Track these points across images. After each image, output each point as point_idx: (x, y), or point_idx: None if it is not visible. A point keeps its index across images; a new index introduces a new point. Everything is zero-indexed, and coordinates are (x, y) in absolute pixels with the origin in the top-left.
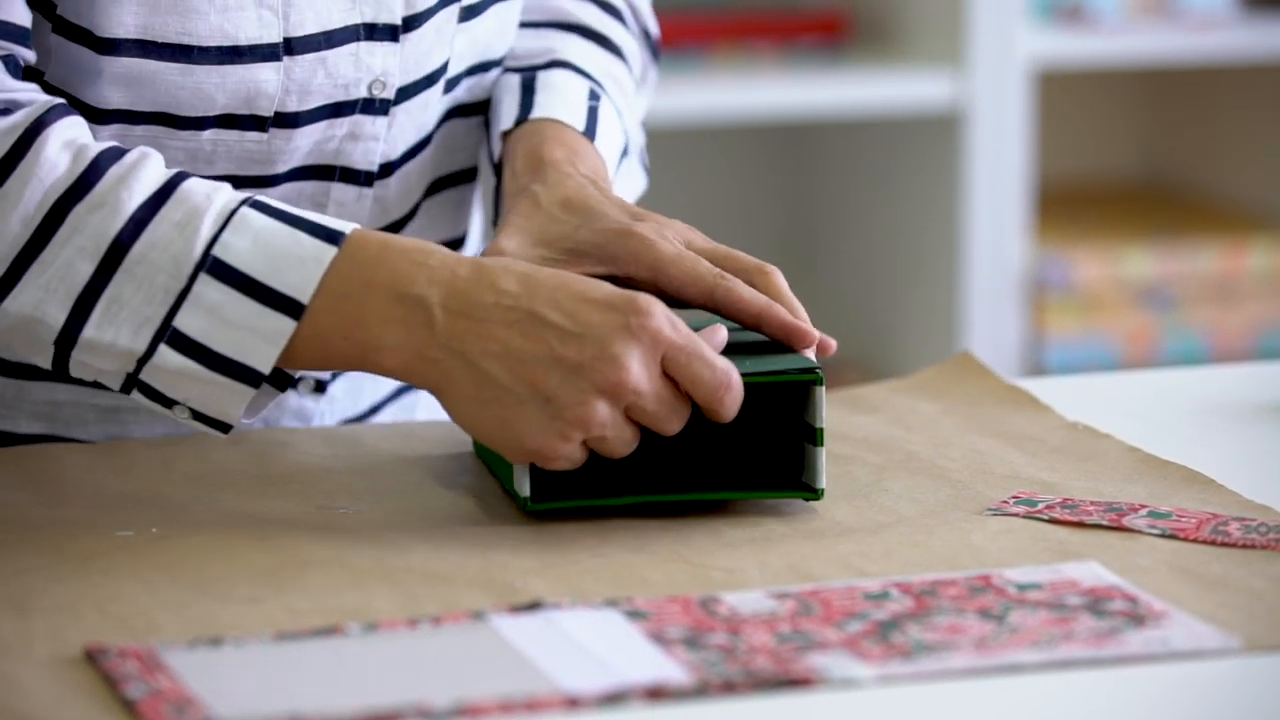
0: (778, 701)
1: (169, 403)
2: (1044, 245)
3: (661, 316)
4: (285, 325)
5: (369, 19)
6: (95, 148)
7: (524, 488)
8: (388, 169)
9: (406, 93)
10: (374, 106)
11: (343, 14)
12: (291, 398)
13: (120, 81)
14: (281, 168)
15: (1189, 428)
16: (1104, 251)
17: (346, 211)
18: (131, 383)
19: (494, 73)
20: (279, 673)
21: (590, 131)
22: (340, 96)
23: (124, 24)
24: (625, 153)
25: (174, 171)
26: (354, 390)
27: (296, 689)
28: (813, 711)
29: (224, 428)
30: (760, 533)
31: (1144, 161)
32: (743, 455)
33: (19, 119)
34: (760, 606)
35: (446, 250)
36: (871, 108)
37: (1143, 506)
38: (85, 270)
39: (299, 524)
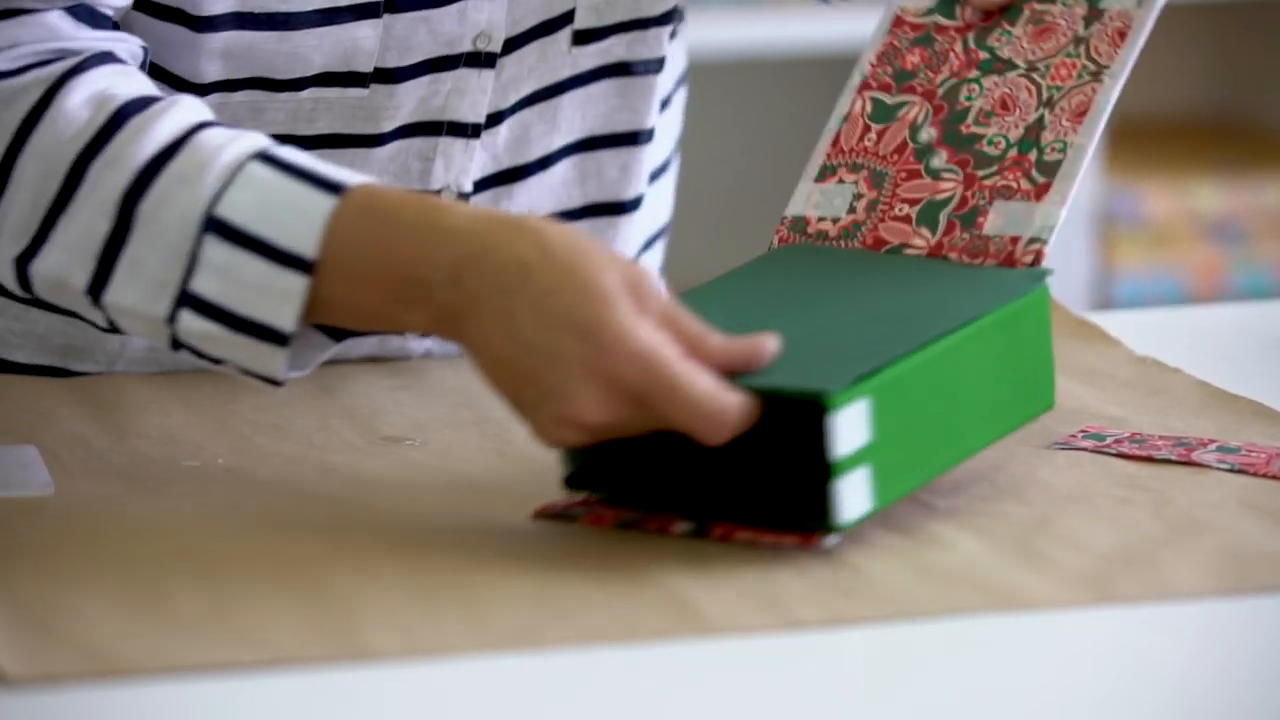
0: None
1: (216, 359)
2: (1114, 179)
3: (625, 355)
4: (298, 282)
5: None
6: (121, 98)
7: (564, 467)
8: (497, 117)
9: (515, 43)
10: (479, 60)
11: None
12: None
13: (217, 55)
14: (387, 125)
15: (1258, 362)
16: (1174, 185)
17: (454, 164)
18: (175, 344)
19: (655, 30)
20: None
21: None
22: (443, 51)
23: (222, 1)
24: None
25: (197, 120)
26: None
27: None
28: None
29: (275, 382)
30: None
31: (1214, 95)
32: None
33: (53, 70)
34: None
35: (456, 216)
36: None
37: (1212, 441)
38: (102, 229)
39: (363, 455)
